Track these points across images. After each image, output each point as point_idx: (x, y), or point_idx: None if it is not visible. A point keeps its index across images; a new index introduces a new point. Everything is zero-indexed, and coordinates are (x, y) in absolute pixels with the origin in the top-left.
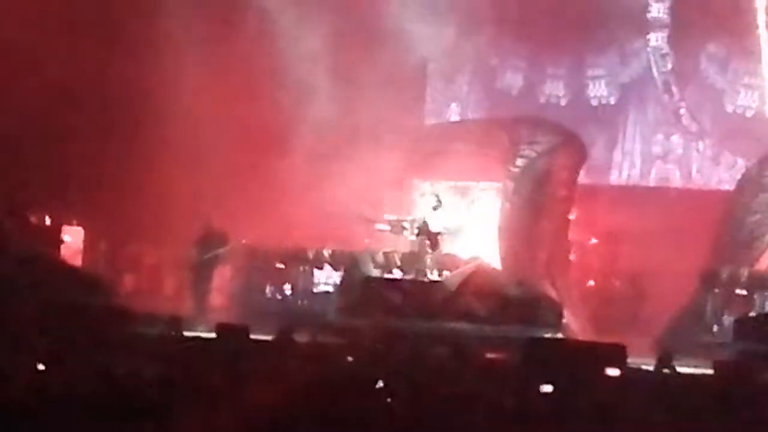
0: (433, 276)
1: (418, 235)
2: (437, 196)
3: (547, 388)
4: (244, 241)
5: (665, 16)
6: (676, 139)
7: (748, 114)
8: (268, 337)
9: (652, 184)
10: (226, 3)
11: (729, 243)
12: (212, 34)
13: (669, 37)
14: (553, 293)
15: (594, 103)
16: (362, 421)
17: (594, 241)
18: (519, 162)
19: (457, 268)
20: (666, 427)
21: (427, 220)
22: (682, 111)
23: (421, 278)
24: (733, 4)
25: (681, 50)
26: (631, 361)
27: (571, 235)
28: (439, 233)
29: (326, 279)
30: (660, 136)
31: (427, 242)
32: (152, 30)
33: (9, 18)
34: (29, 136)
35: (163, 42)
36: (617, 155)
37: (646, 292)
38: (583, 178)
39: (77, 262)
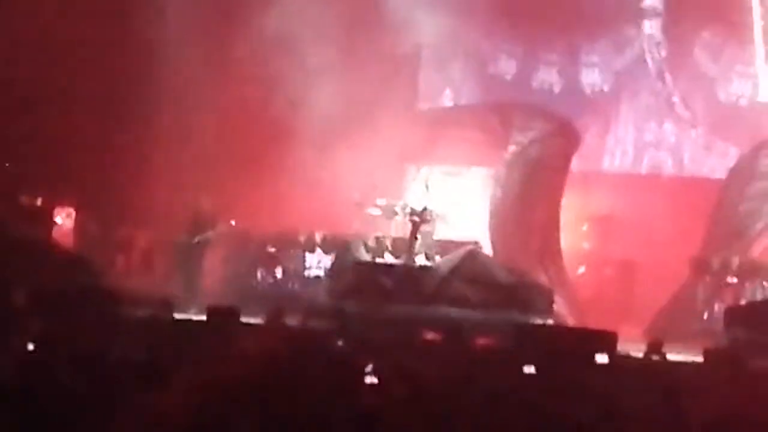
0: (424, 261)
1: (409, 220)
2: (429, 181)
3: (533, 371)
4: (233, 223)
5: (659, 4)
6: (668, 126)
7: (741, 102)
8: (259, 321)
9: (644, 171)
10: None
11: (721, 231)
12: (204, 17)
13: (663, 25)
14: (544, 279)
15: (587, 90)
16: (351, 405)
17: (586, 227)
18: (511, 148)
19: (449, 253)
20: (656, 414)
21: (418, 205)
22: (675, 99)
23: (412, 263)
24: None
25: (674, 38)
26: (622, 348)
27: (564, 221)
28: (430, 218)
29: (317, 263)
30: (653, 124)
31: (418, 227)
32: (147, 11)
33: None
34: (20, 117)
35: (158, 26)
36: (610, 142)
37: (638, 279)
38: (575, 165)
39: (68, 243)
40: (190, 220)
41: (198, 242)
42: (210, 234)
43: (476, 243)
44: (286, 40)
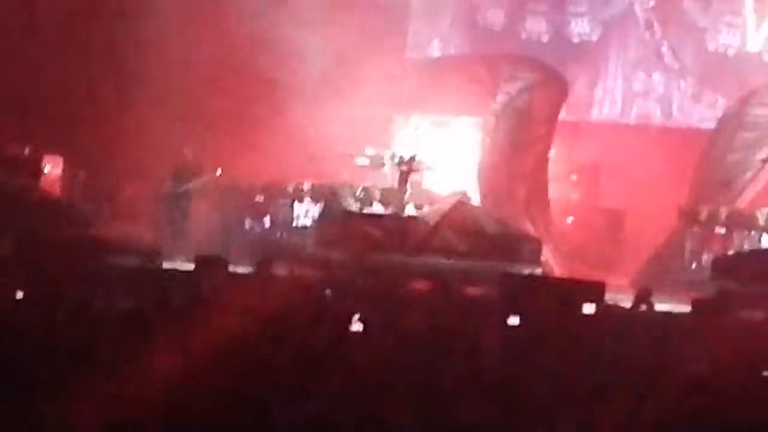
0: (413, 211)
1: (398, 169)
2: (417, 130)
3: (520, 320)
4: (219, 172)
5: None
6: (657, 77)
7: (730, 53)
8: (247, 270)
9: (632, 121)
10: None
11: (708, 181)
12: None
13: None
14: (532, 229)
15: (575, 40)
16: (339, 354)
17: (574, 177)
18: (500, 98)
19: (437, 203)
20: (643, 364)
21: (407, 154)
22: (664, 49)
23: (400, 213)
24: None
25: None
26: (609, 298)
27: (552, 171)
28: (418, 168)
29: (305, 213)
30: (641, 74)
31: (407, 177)
32: None
33: None
34: (8, 67)
35: None
36: (598, 92)
37: (626, 229)
38: (563, 115)
39: (56, 192)
40: (177, 170)
41: (185, 191)
42: (196, 183)
43: (464, 193)
44: None
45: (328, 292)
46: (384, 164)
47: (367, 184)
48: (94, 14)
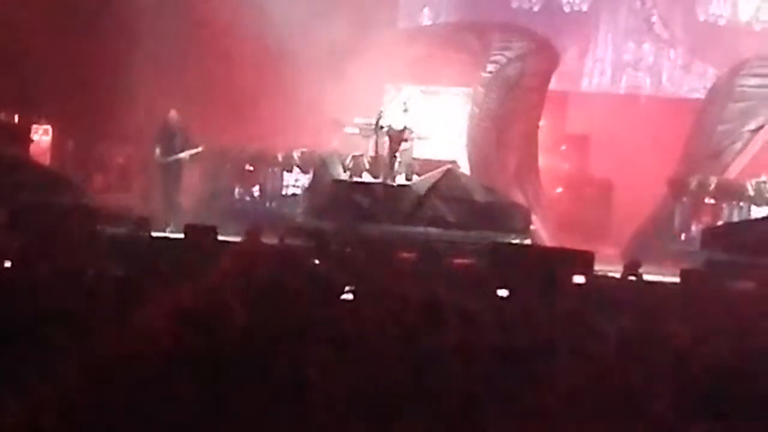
0: (403, 180)
1: (388, 138)
2: (408, 100)
3: (510, 290)
4: (200, 149)
5: None
6: (647, 47)
7: (720, 23)
8: (236, 239)
9: (622, 91)
10: None
11: (698, 152)
12: None
13: None
14: (521, 199)
15: (566, 9)
16: (328, 323)
17: (564, 147)
18: (490, 67)
19: (427, 172)
20: (632, 334)
21: (397, 124)
22: (654, 19)
23: (390, 182)
24: None
25: None
26: (599, 268)
27: (541, 141)
28: (408, 137)
29: (295, 181)
30: (631, 44)
31: (397, 146)
32: None
33: None
34: None
35: None
36: (588, 62)
37: (616, 200)
38: (553, 84)
39: (46, 161)
40: (167, 139)
41: (176, 160)
42: (187, 152)
43: (454, 162)
44: None
45: (316, 261)
46: (374, 133)
47: (357, 152)
48: None
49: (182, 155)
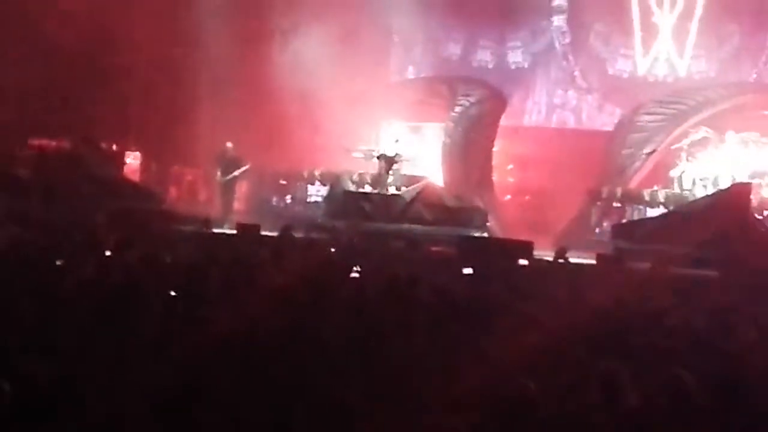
0: (394, 191)
1: (383, 161)
2: (398, 133)
3: (471, 271)
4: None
5: (564, 3)
6: (571, 93)
7: (624, 75)
8: (274, 234)
9: (553, 125)
10: None
11: (608, 169)
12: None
13: (567, 18)
14: (481, 204)
15: (512, 66)
16: (342, 294)
17: (511, 166)
18: (457, 109)
19: (411, 185)
20: (562, 300)
21: (390, 150)
22: (576, 73)
23: (385, 192)
24: None
25: (576, 28)
26: (537, 253)
27: (495, 162)
28: (398, 160)
29: (317, 192)
30: (560, 91)
31: (390, 166)
32: None
33: None
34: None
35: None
36: (528, 104)
37: (548, 204)
38: (503, 120)
39: (136, 178)
40: (220, 159)
41: (231, 177)
42: (239, 171)
43: (431, 177)
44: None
45: (332, 249)
46: (373, 158)
47: (361, 171)
48: (163, 38)
49: (235, 173)
